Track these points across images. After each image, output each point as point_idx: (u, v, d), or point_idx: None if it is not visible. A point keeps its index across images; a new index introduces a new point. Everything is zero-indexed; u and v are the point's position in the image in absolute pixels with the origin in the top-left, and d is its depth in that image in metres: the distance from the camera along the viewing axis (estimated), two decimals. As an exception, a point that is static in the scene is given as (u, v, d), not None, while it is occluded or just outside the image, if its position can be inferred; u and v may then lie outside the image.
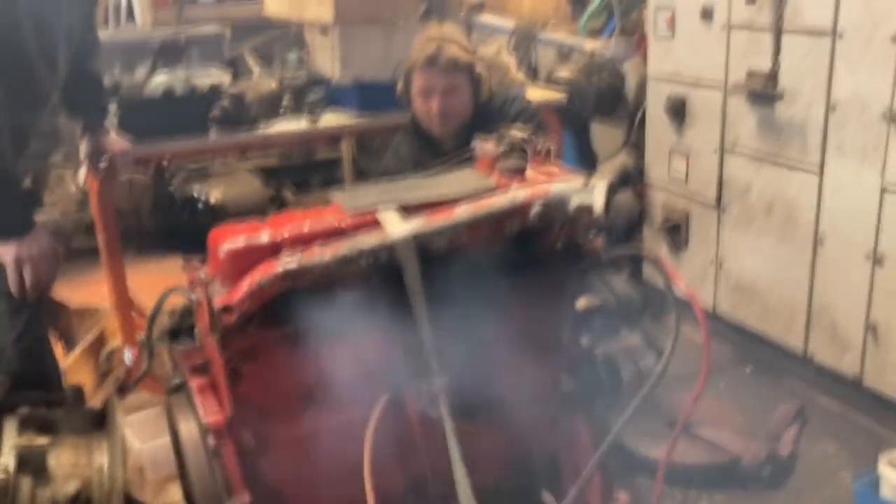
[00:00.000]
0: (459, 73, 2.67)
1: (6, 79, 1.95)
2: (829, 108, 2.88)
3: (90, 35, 2.48)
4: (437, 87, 2.66)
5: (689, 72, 3.48)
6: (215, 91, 3.11)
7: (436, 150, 2.75)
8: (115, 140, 2.69)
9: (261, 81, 3.39)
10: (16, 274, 1.97)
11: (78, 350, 3.19)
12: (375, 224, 1.56)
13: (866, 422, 2.94)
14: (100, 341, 3.34)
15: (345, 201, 1.63)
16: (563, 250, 1.69)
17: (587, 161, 4.36)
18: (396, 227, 1.54)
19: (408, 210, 1.58)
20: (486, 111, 2.75)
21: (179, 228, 4.18)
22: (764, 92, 3.07)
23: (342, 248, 1.49)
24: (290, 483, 1.63)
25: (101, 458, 1.60)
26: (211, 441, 1.56)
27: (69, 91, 2.45)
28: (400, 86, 2.80)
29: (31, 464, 1.53)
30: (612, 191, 1.61)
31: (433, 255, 1.55)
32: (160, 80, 3.11)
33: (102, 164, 2.68)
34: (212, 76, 3.49)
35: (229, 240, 1.53)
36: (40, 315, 2.20)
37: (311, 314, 1.52)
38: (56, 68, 2.12)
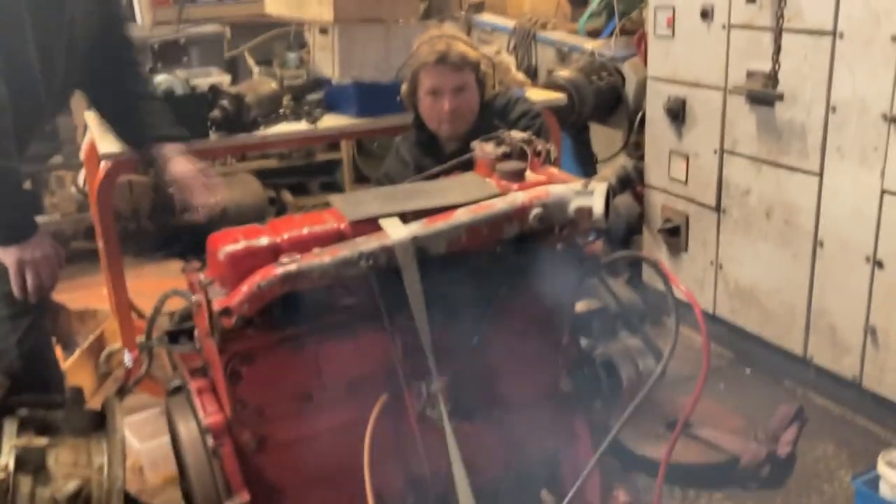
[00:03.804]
0: (468, 71, 2.65)
1: (7, 81, 1.94)
2: (829, 108, 2.88)
3: (113, 41, 2.34)
4: (448, 85, 2.62)
5: (689, 72, 3.48)
6: (215, 92, 3.10)
7: (438, 152, 2.74)
8: (186, 162, 2.36)
9: (261, 82, 3.38)
10: (18, 277, 1.96)
11: (78, 352, 3.19)
12: (375, 228, 1.56)
13: (865, 423, 2.94)
14: (99, 343, 3.35)
15: (345, 209, 1.63)
16: (563, 253, 1.69)
17: (586, 163, 4.36)
18: (395, 230, 1.54)
19: (408, 218, 1.58)
20: (489, 112, 2.73)
21: (179, 231, 4.18)
22: (764, 93, 3.07)
23: (341, 251, 1.50)
24: (288, 483, 1.64)
25: (101, 458, 1.60)
26: (210, 441, 1.56)
27: (106, 106, 2.40)
28: (405, 88, 2.75)
29: (31, 463, 1.53)
30: (611, 194, 1.61)
31: (432, 258, 1.56)
32: (159, 80, 3.11)
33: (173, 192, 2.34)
34: (211, 77, 3.49)
35: (229, 243, 1.53)
36: (42, 318, 2.19)
37: (311, 317, 1.52)
38: (53, 73, 2.08)
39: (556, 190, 1.63)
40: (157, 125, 2.41)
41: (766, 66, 3.03)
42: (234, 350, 1.52)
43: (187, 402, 1.66)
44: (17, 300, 2.01)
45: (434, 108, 2.66)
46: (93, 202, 3.11)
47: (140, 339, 2.96)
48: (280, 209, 4.89)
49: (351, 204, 1.67)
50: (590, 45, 4.25)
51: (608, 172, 4.03)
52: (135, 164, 3.00)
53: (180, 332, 1.80)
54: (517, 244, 1.66)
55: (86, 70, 2.25)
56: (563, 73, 4.05)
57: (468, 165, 1.88)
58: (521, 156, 1.77)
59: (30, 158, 2.31)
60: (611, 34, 4.27)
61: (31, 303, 2.03)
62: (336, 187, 5.84)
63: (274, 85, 3.33)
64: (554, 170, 1.77)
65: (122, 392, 1.81)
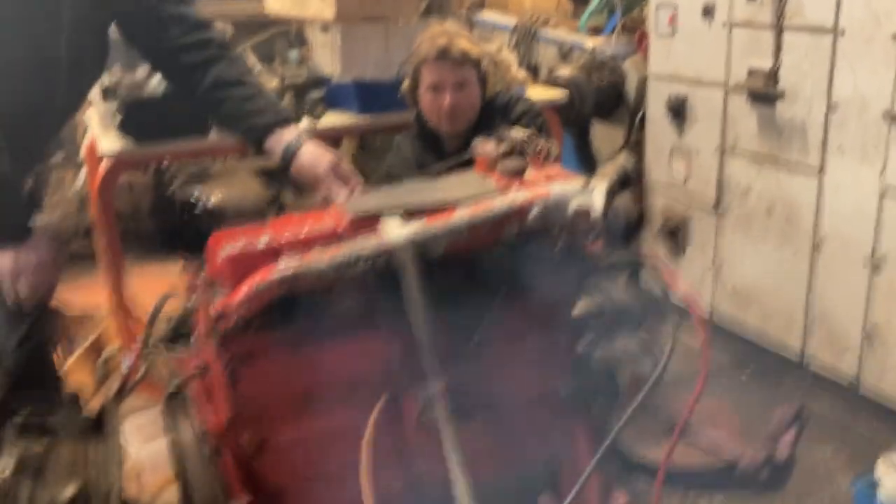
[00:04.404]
0: (469, 67, 2.65)
1: None
2: (830, 107, 2.88)
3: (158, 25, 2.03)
4: (448, 81, 2.63)
5: (690, 70, 3.48)
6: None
7: (439, 149, 2.74)
8: (320, 153, 1.99)
9: (262, 80, 3.38)
10: (12, 284, 1.92)
11: (76, 354, 3.19)
12: (374, 228, 1.56)
13: (864, 425, 2.94)
14: (98, 345, 3.34)
15: (344, 206, 1.63)
16: (562, 253, 1.68)
17: (587, 162, 4.35)
18: (394, 230, 1.54)
19: (410, 215, 1.58)
20: (490, 110, 2.73)
21: (179, 231, 4.18)
22: (765, 91, 3.07)
23: (340, 252, 1.49)
24: (288, 486, 1.63)
25: (99, 462, 1.60)
26: (209, 444, 1.56)
27: (195, 101, 2.08)
28: (406, 84, 2.76)
29: (30, 467, 1.53)
30: (611, 193, 1.61)
31: (431, 258, 1.55)
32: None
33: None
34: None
35: (228, 244, 1.53)
36: (41, 321, 2.17)
37: (310, 318, 1.52)
38: (57, 72, 2.04)
39: (557, 189, 1.63)
40: (257, 112, 2.03)
41: (767, 64, 3.03)
42: (233, 351, 1.51)
43: (186, 404, 1.66)
44: (13, 307, 1.98)
45: (434, 104, 2.66)
46: (93, 202, 3.11)
47: (139, 339, 2.96)
48: (280, 209, 4.88)
49: (350, 202, 1.66)
50: (591, 43, 4.25)
51: (609, 171, 4.02)
52: (139, 164, 2.90)
53: (179, 334, 1.80)
54: (516, 244, 1.65)
55: (156, 59, 2.10)
56: (564, 72, 4.05)
57: (469, 164, 1.88)
58: (522, 154, 1.76)
59: (31, 158, 2.27)
60: (612, 32, 4.27)
61: (26, 310, 2.00)
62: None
63: (275, 83, 3.33)
64: (555, 168, 1.77)
65: (120, 394, 1.81)
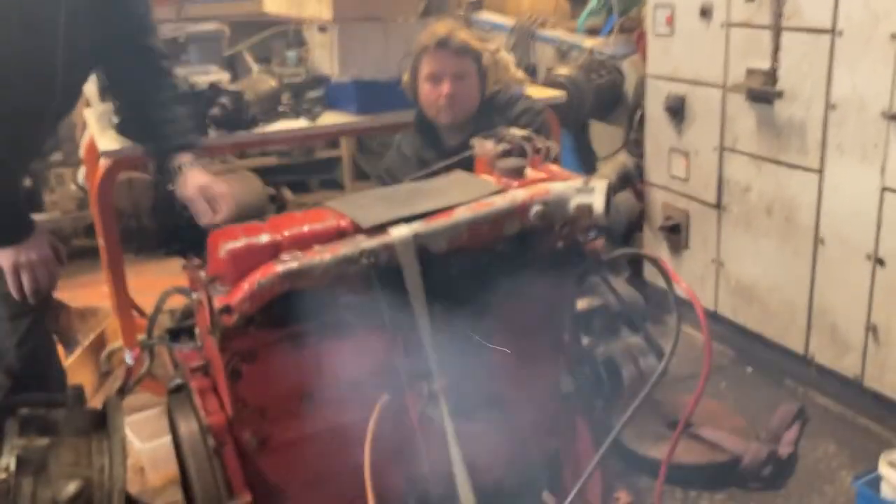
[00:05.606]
0: (469, 59, 2.64)
1: None
2: (829, 106, 2.88)
3: (135, 50, 2.34)
4: (448, 70, 2.61)
5: (689, 70, 3.48)
6: (214, 89, 3.09)
7: (440, 146, 2.73)
8: (196, 176, 2.28)
9: (260, 80, 3.37)
10: (14, 280, 1.94)
11: (79, 351, 3.19)
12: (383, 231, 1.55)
13: (867, 422, 2.94)
14: (100, 342, 3.34)
15: (355, 214, 1.61)
16: (563, 250, 1.69)
17: (586, 160, 4.35)
18: (397, 228, 1.54)
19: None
20: (491, 108, 2.73)
21: (179, 228, 4.17)
22: (763, 90, 3.07)
23: (342, 248, 1.50)
24: (290, 483, 1.63)
25: (102, 459, 1.59)
26: (211, 441, 1.56)
27: (128, 114, 2.40)
28: (406, 77, 2.74)
29: (32, 464, 1.53)
30: (611, 191, 1.61)
31: (433, 255, 1.55)
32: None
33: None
34: (210, 75, 3.48)
35: (229, 240, 1.53)
36: (42, 318, 2.17)
37: (312, 315, 1.52)
38: (52, 71, 2.04)
39: (557, 187, 1.63)
40: (175, 136, 2.34)
41: (766, 64, 3.03)
42: (235, 348, 1.51)
43: (188, 402, 1.66)
44: (17, 301, 2.00)
45: (433, 94, 2.64)
46: (93, 200, 3.10)
47: (141, 337, 2.96)
48: (280, 206, 4.88)
49: (357, 208, 1.65)
50: (589, 43, 4.24)
51: (608, 170, 4.02)
52: (138, 162, 2.99)
53: (181, 331, 1.80)
54: (517, 242, 1.65)
55: (107, 72, 2.38)
56: (563, 71, 4.04)
57: (469, 162, 1.88)
58: (521, 153, 1.77)
59: (30, 157, 2.27)
60: (610, 32, 4.27)
61: (29, 305, 2.01)
62: (336, 185, 5.83)
63: (273, 82, 3.33)
64: (554, 167, 1.77)
65: (123, 391, 1.81)
